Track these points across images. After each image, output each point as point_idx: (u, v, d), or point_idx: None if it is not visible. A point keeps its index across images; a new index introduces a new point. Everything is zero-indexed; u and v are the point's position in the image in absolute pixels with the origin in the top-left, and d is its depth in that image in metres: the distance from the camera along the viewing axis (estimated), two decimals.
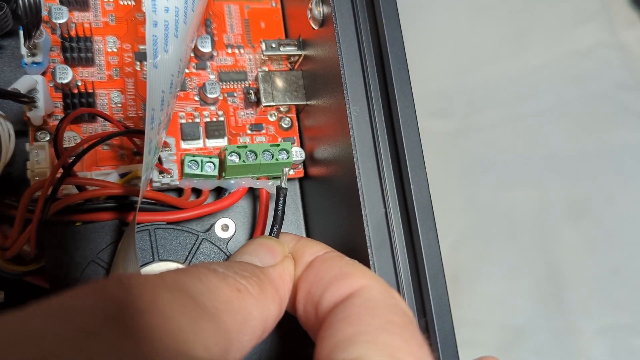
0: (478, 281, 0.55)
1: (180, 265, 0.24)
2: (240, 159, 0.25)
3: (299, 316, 0.20)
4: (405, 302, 0.19)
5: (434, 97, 0.63)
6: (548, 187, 0.60)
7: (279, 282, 0.19)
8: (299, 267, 0.20)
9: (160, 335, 0.13)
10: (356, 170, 0.22)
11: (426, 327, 0.22)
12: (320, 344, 0.17)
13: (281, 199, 0.24)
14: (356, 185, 0.22)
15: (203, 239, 0.24)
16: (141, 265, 0.23)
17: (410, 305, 0.22)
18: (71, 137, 0.26)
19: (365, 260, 0.22)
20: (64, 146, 0.24)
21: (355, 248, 0.23)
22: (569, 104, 0.64)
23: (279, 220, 0.24)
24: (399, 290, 0.22)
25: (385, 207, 0.22)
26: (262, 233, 0.26)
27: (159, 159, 0.25)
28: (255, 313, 0.17)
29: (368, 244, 0.22)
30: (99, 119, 0.26)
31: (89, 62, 0.27)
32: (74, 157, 0.23)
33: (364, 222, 0.22)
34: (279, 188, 0.24)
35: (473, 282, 0.55)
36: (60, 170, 0.22)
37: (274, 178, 0.27)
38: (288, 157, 0.25)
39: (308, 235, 0.29)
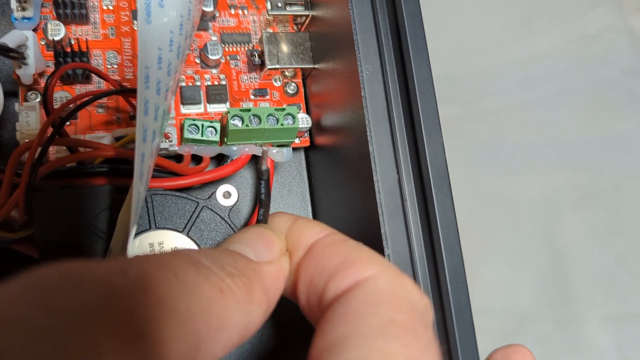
0: (481, 268, 0.54)
1: (178, 235, 0.22)
2: (243, 123, 0.23)
3: (301, 306, 0.18)
4: (419, 291, 0.16)
5: (439, 82, 0.61)
6: (554, 174, 0.59)
7: (271, 283, 0.16)
8: (297, 252, 0.18)
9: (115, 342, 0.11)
10: (367, 133, 0.21)
11: (441, 307, 0.20)
12: (315, 341, 0.15)
13: (263, 182, 0.21)
14: (367, 150, 0.21)
15: (203, 206, 0.23)
16: (137, 234, 0.22)
17: (424, 278, 0.21)
18: (63, 98, 0.24)
19: (376, 231, 0.21)
20: (55, 106, 0.22)
21: (365, 218, 0.22)
22: (576, 89, 0.63)
23: (264, 204, 0.21)
24: (411, 263, 0.21)
25: (398, 172, 0.21)
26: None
27: None
28: (236, 319, 0.14)
29: (380, 212, 0.20)
30: (94, 80, 0.25)
31: (83, 19, 0.25)
32: (65, 117, 0.21)
33: (376, 188, 0.20)
34: (259, 170, 0.22)
35: (476, 269, 0.54)
36: (50, 130, 0.21)
37: (280, 145, 0.25)
38: (294, 123, 0.24)
39: (314, 208, 0.27)
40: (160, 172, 0.23)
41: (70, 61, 0.24)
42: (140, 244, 0.22)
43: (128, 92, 0.23)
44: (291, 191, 0.27)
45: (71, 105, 0.21)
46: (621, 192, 0.60)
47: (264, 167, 0.21)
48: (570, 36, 0.65)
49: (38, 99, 0.24)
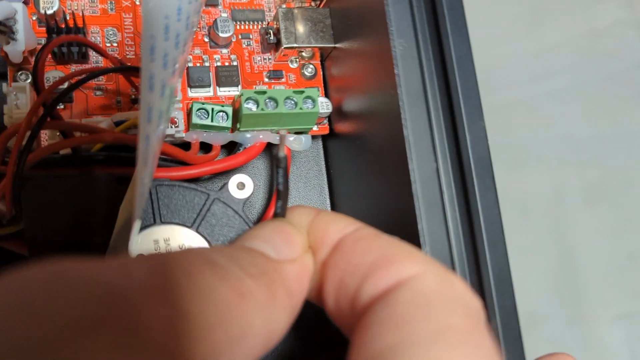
0: None
1: (187, 230, 0.20)
2: (258, 107, 0.21)
3: (328, 311, 0.16)
4: (470, 291, 0.14)
5: None
6: (563, 170, 0.58)
7: (295, 284, 0.14)
8: (322, 249, 0.15)
9: None
10: (402, 116, 0.18)
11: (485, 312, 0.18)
12: (356, 350, 0.13)
13: (280, 171, 0.19)
14: (401, 135, 0.19)
15: (215, 198, 0.20)
16: (141, 229, 0.19)
17: (463, 277, 0.18)
18: (57, 78, 0.22)
19: (410, 227, 0.18)
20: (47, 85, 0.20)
21: (398, 213, 0.20)
22: (586, 84, 0.62)
23: (282, 195, 0.19)
24: (451, 262, 0.18)
25: (436, 161, 0.19)
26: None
27: None
28: (258, 326, 0.13)
29: (416, 206, 0.18)
30: (92, 57, 0.22)
31: None
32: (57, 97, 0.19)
33: (412, 178, 0.18)
34: (275, 157, 0.19)
35: None
36: (41, 111, 0.18)
37: (298, 132, 0.23)
38: (314, 107, 0.22)
39: (333, 202, 0.25)
40: (166, 160, 0.21)
41: None
42: (143, 241, 0.19)
43: (129, 70, 0.20)
44: (308, 183, 0.25)
45: (65, 84, 0.19)
46: (632, 188, 0.59)
47: (281, 154, 0.19)
48: (579, 30, 0.63)
49: (29, 80, 0.21)
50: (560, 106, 0.61)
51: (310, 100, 0.22)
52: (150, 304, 0.10)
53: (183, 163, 0.21)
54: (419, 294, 0.13)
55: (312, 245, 0.16)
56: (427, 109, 0.19)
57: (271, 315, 0.13)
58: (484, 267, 0.18)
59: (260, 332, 0.13)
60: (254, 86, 0.24)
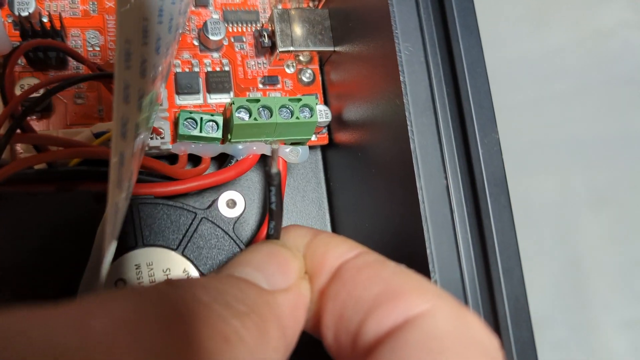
0: None
1: (172, 253, 0.18)
2: (250, 116, 0.19)
3: (326, 345, 0.14)
4: (487, 329, 0.13)
5: None
6: (568, 174, 0.57)
7: (289, 318, 0.13)
8: (320, 276, 0.14)
9: None
10: (408, 128, 0.17)
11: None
12: None
13: (273, 188, 0.17)
14: (408, 148, 0.17)
15: (202, 217, 0.19)
16: (122, 252, 0.18)
17: (477, 309, 0.17)
18: (31, 85, 0.20)
19: (417, 250, 0.17)
20: (17, 92, 0.18)
21: (402, 232, 0.18)
22: (591, 86, 0.60)
23: (275, 215, 0.17)
24: (463, 291, 0.16)
25: (446, 178, 0.17)
26: None
27: None
28: None
29: (425, 228, 0.16)
30: (71, 64, 0.21)
31: None
32: (28, 106, 0.17)
33: (420, 197, 0.16)
34: (268, 174, 0.17)
35: None
36: (9, 122, 0.17)
37: (294, 143, 0.21)
38: (312, 116, 0.20)
39: (333, 219, 0.23)
40: (149, 175, 0.19)
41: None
42: (124, 266, 0.18)
43: (108, 77, 0.18)
44: (306, 197, 0.23)
45: (41, 91, 0.17)
46: (639, 192, 0.57)
47: (274, 170, 0.17)
48: (584, 32, 0.62)
49: None
50: (566, 109, 0.60)
51: (307, 108, 0.20)
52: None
53: (169, 178, 0.19)
54: (430, 335, 0.12)
55: (309, 270, 0.14)
56: (435, 119, 0.17)
57: (261, 357, 0.11)
58: (498, 297, 0.17)
59: None
60: (248, 93, 0.22)
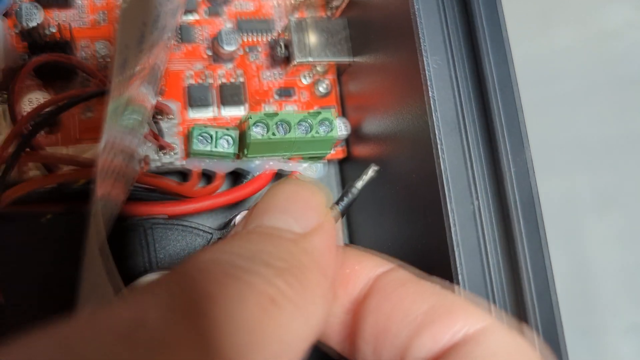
0: None
1: None
2: (268, 131, 0.18)
3: (360, 359, 0.13)
4: (534, 347, 0.12)
5: None
6: (573, 176, 0.56)
7: (327, 256, 0.12)
8: (354, 285, 0.13)
9: None
10: (438, 148, 0.16)
11: None
12: None
13: (346, 199, 0.15)
14: (434, 170, 0.16)
15: (219, 239, 0.18)
16: (135, 276, 0.17)
17: None
18: (40, 100, 0.19)
19: (445, 275, 0.16)
20: (25, 109, 0.17)
21: (426, 255, 0.17)
22: (597, 88, 0.60)
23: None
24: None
25: (475, 200, 0.16)
26: None
27: (159, 130, 0.18)
28: (298, 329, 0.11)
29: (456, 253, 0.15)
30: (79, 77, 0.20)
31: (67, 2, 0.20)
32: (36, 125, 0.16)
33: (450, 221, 0.15)
34: (352, 185, 0.16)
35: None
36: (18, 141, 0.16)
37: (311, 159, 0.20)
38: (331, 131, 0.19)
39: (351, 235, 0.22)
40: (161, 194, 0.18)
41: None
42: None
43: None
44: None
45: (46, 110, 0.16)
46: None
47: (357, 185, 0.16)
48: (590, 32, 0.61)
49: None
50: (570, 110, 0.59)
51: (327, 123, 0.19)
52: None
53: (181, 197, 0.19)
54: (492, 352, 0.12)
55: (341, 277, 0.14)
56: (462, 139, 0.16)
57: (309, 315, 0.11)
58: (531, 323, 0.16)
59: (302, 334, 0.11)
60: (263, 105, 0.21)
